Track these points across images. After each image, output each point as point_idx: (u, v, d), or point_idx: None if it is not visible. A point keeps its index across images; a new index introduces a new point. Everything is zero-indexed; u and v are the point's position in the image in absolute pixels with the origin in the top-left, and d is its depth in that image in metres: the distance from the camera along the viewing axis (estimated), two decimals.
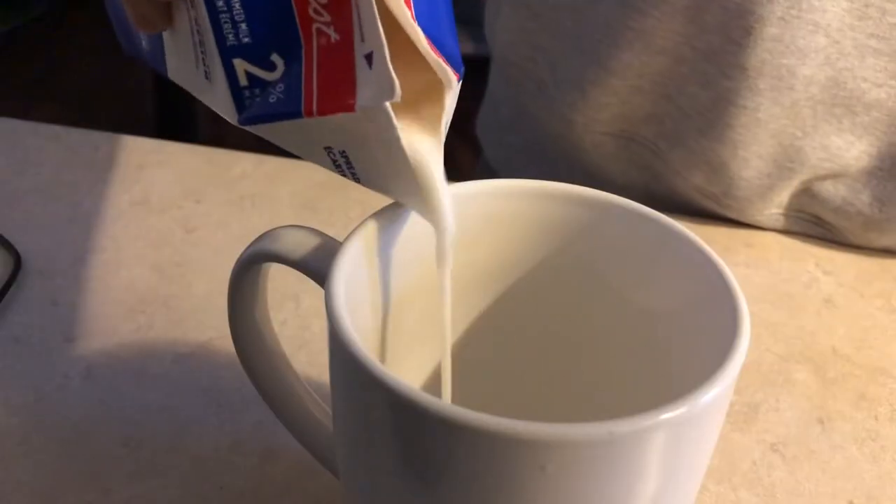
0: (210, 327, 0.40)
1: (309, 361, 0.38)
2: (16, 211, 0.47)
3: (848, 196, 0.48)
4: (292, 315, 0.41)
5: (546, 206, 0.28)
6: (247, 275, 0.28)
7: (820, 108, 0.45)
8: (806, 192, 0.49)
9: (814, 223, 0.50)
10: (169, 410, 0.35)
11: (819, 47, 0.43)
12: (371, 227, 0.26)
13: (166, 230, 0.46)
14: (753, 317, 0.24)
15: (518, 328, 0.31)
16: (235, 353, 0.30)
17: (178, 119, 1.81)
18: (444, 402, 0.20)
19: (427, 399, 0.20)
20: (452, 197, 0.25)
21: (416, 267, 0.28)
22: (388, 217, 0.26)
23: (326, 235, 0.26)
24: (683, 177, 0.49)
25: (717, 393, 0.21)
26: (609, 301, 0.29)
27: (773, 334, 0.42)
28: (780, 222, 0.50)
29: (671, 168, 0.50)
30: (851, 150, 0.46)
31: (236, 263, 0.28)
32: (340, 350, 0.22)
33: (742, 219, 0.50)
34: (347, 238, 0.25)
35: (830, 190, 0.48)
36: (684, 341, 0.26)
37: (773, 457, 0.35)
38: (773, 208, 0.50)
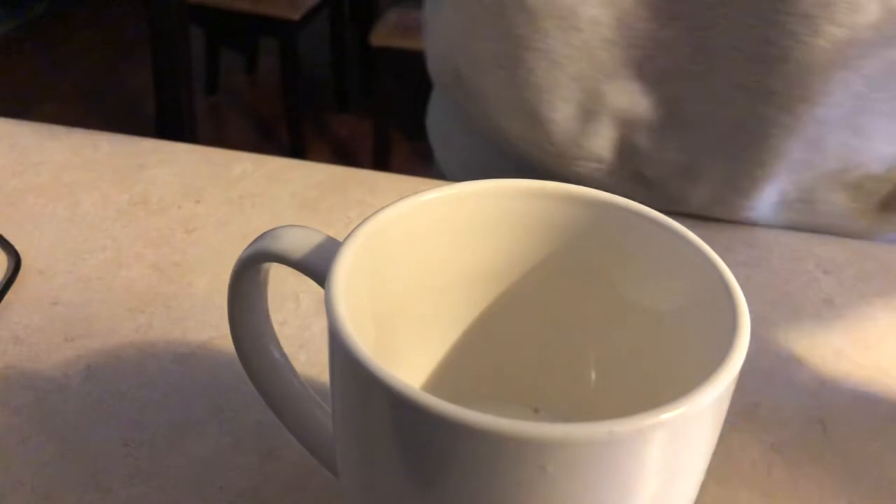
0: (210, 327, 0.40)
1: (309, 361, 0.38)
2: (16, 211, 0.47)
3: (658, 146, 0.46)
4: (292, 315, 0.41)
5: (546, 206, 0.28)
6: (247, 275, 0.28)
7: (616, 51, 0.44)
8: (625, 144, 0.47)
9: (638, 182, 0.48)
10: (169, 410, 0.35)
11: None
12: (371, 227, 0.26)
13: (166, 230, 0.46)
14: (753, 317, 0.24)
15: (518, 328, 0.31)
16: (235, 353, 0.30)
17: (178, 119, 1.82)
18: (444, 401, 0.20)
19: (427, 399, 0.20)
20: (453, 197, 0.25)
21: (417, 266, 0.28)
22: (389, 217, 0.26)
23: (326, 235, 0.26)
24: (504, 128, 0.49)
25: (717, 393, 0.21)
26: (609, 301, 0.29)
27: (773, 334, 0.42)
28: (602, 177, 0.49)
29: (493, 123, 0.50)
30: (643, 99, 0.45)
31: (236, 263, 0.28)
32: (340, 350, 0.22)
33: (563, 170, 0.49)
34: (347, 238, 0.25)
35: (644, 142, 0.47)
36: (684, 341, 0.26)
37: (773, 457, 0.35)
38: (593, 162, 0.48)
